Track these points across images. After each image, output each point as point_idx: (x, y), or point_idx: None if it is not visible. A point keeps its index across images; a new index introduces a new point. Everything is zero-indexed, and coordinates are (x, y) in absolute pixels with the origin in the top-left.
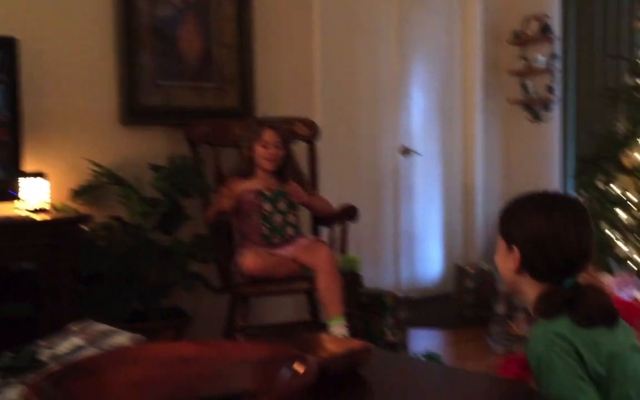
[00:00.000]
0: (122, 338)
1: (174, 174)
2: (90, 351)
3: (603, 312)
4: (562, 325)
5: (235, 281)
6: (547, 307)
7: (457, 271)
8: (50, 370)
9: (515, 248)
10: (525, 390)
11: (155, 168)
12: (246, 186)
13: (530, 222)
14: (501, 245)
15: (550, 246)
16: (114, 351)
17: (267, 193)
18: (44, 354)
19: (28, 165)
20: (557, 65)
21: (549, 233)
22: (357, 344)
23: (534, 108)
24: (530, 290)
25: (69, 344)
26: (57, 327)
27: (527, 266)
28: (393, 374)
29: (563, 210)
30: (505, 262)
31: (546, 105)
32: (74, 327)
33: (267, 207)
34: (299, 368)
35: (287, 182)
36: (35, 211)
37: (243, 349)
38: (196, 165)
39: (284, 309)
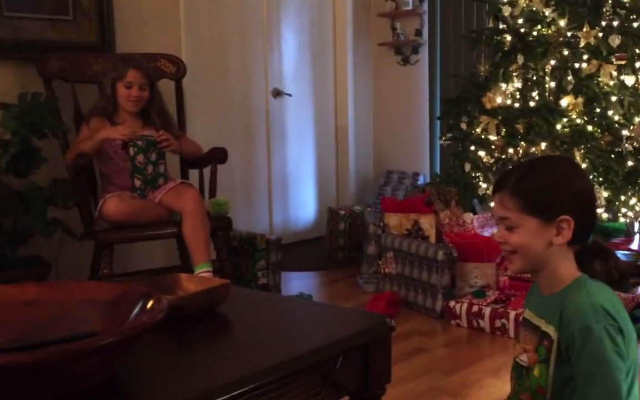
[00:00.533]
0: None
1: (25, 112)
2: None
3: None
4: (604, 295)
5: (98, 227)
6: (589, 264)
7: (330, 214)
8: None
9: (566, 218)
10: (383, 321)
11: (3, 106)
12: (112, 132)
13: (574, 185)
14: (529, 223)
15: (593, 204)
16: None
17: (139, 143)
18: None
19: None
20: (425, 8)
21: (590, 190)
22: (215, 281)
23: (403, 50)
24: (563, 260)
25: None
26: None
27: (576, 233)
28: (253, 310)
29: (578, 166)
30: (540, 239)
31: (414, 48)
32: None
33: (140, 158)
34: (148, 305)
35: (153, 126)
36: None
37: (89, 289)
38: (51, 102)
39: (153, 255)
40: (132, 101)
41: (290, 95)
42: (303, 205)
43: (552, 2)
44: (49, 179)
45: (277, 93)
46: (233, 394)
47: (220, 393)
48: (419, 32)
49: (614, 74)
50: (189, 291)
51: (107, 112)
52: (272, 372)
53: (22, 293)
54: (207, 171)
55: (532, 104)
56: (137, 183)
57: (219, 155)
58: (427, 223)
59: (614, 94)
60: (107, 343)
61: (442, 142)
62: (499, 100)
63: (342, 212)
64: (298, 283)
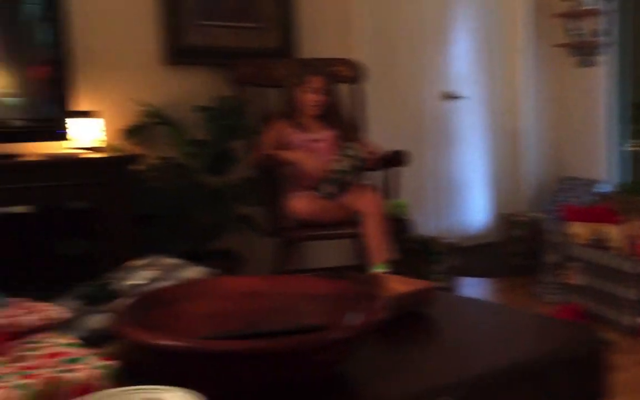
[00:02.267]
0: (193, 271)
1: (222, 115)
2: (165, 283)
3: None
4: None
5: (284, 225)
6: None
7: (503, 219)
8: (131, 300)
9: None
10: (596, 335)
11: (203, 109)
12: (305, 161)
13: None
14: None
15: None
16: (187, 283)
17: (343, 147)
18: (119, 285)
19: (82, 104)
20: (611, 6)
21: None
22: (420, 283)
23: (584, 51)
24: None
25: (141, 276)
26: (113, 265)
27: None
28: (455, 313)
29: None
30: None
31: (596, 48)
32: (140, 262)
33: (338, 165)
34: (369, 305)
35: (334, 128)
36: (88, 150)
37: (310, 284)
38: (242, 105)
39: (328, 253)
40: (313, 106)
41: (463, 98)
42: (475, 210)
43: None
44: (239, 177)
45: (449, 96)
46: (455, 396)
47: (441, 393)
48: (600, 32)
49: None
50: (394, 291)
51: (290, 115)
52: (489, 378)
53: (247, 284)
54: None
55: None
56: (328, 189)
57: (399, 158)
58: (614, 233)
59: None
60: (345, 337)
61: (631, 148)
62: None
63: (518, 219)
64: (473, 289)
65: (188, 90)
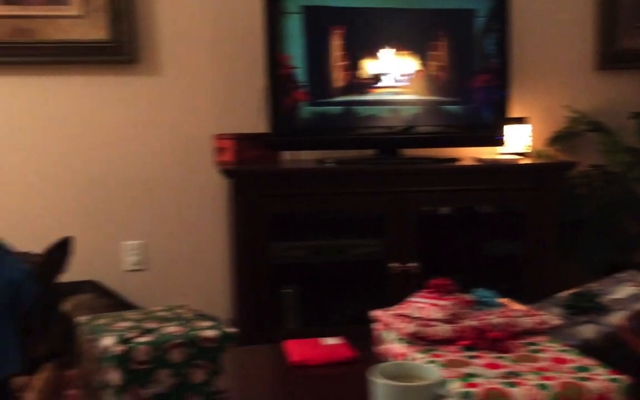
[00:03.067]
0: None
1: None
2: None
3: None
4: None
5: None
6: None
7: None
8: (629, 314)
9: None
10: None
11: (638, 115)
12: None
13: None
14: None
15: None
16: None
17: None
18: (603, 298)
19: (513, 111)
20: None
21: None
22: None
23: None
24: None
25: (624, 291)
26: (538, 269)
27: None
28: None
29: None
30: None
31: None
32: (622, 275)
33: None
34: None
35: None
36: (516, 155)
37: None
38: None
39: None
40: None
41: None
42: None
43: None
44: None
45: None
46: None
47: None
48: None
49: None
50: None
51: None
52: None
53: None
54: None
55: None
56: None
57: None
58: None
59: None
60: None
61: None
62: None
63: None
64: None
65: (622, 96)
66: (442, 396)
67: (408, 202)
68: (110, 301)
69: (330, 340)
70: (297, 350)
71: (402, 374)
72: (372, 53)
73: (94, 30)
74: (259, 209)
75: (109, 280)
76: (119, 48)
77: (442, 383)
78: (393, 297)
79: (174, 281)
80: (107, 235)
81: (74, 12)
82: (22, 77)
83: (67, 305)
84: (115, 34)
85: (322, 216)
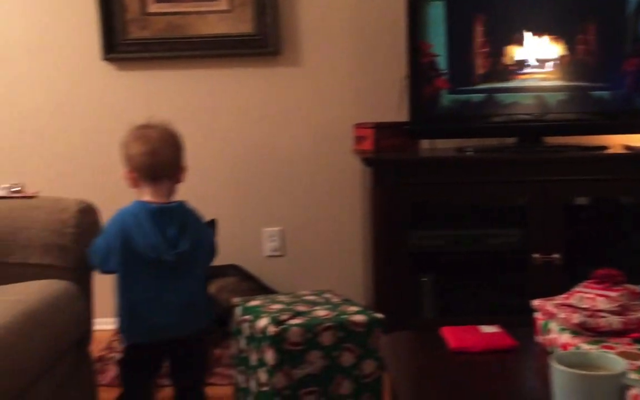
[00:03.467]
0: None
1: None
2: None
3: None
4: None
5: None
6: None
7: None
8: None
9: None
10: None
11: None
12: None
13: None
14: None
15: None
16: None
17: None
18: None
19: None
20: None
21: None
22: None
23: None
24: None
25: None
26: None
27: None
28: None
29: None
30: None
31: None
32: None
33: None
34: None
35: None
36: None
37: None
38: None
39: None
40: None
41: None
42: None
43: None
44: None
45: None
46: None
47: None
48: None
49: None
50: None
51: None
52: None
53: None
54: None
55: None
56: None
57: None
58: None
59: None
60: None
61: None
62: None
63: None
64: None
65: None
66: (629, 386)
67: (552, 192)
68: (251, 285)
69: (488, 328)
70: (456, 336)
71: (583, 363)
72: (515, 39)
73: (240, 24)
74: (398, 197)
75: (250, 265)
76: (263, 41)
77: (626, 374)
78: (534, 288)
79: (310, 267)
80: (249, 221)
81: (222, 7)
82: (175, 71)
83: (212, 287)
84: (260, 27)
85: (462, 205)
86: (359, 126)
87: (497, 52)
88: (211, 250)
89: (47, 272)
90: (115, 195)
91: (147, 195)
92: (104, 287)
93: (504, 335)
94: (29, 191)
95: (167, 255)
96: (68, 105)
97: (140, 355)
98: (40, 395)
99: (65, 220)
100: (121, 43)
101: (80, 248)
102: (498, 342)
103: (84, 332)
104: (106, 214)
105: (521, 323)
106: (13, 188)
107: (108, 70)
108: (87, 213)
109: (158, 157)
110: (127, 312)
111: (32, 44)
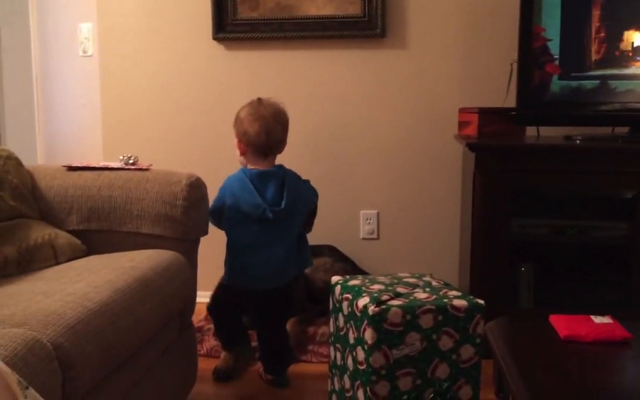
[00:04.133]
0: None
1: None
2: None
3: None
4: None
5: None
6: None
7: None
8: None
9: None
10: None
11: None
12: None
13: None
14: None
15: None
16: None
17: None
18: None
19: None
20: None
21: None
22: None
23: None
24: None
25: None
26: None
27: None
28: None
29: None
30: None
31: None
32: None
33: None
34: None
35: None
36: None
37: None
38: None
39: None
40: None
41: None
42: None
43: None
44: None
45: None
46: None
47: None
48: None
49: None
50: None
51: None
52: None
53: None
54: None
55: None
56: None
57: None
58: None
59: None
60: None
61: None
62: None
63: None
64: None
65: None
66: None
67: None
68: (345, 266)
69: (600, 319)
70: (566, 325)
71: None
72: (633, 25)
73: (348, 6)
74: (500, 183)
75: (346, 247)
76: (370, 22)
77: None
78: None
79: (403, 251)
80: (347, 203)
81: None
82: (281, 51)
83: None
84: (367, 9)
85: (564, 195)
86: (463, 111)
87: (614, 37)
88: (310, 203)
89: (157, 242)
90: (219, 169)
91: (253, 164)
92: (204, 262)
93: (617, 327)
94: (143, 164)
95: (267, 214)
96: (178, 83)
97: (234, 296)
98: (148, 358)
99: (177, 193)
100: (230, 23)
101: (188, 220)
102: (611, 333)
103: (189, 302)
104: (211, 187)
105: (625, 317)
106: (128, 160)
107: (217, 49)
108: (197, 187)
109: (270, 136)
110: (234, 261)
111: (145, 22)
